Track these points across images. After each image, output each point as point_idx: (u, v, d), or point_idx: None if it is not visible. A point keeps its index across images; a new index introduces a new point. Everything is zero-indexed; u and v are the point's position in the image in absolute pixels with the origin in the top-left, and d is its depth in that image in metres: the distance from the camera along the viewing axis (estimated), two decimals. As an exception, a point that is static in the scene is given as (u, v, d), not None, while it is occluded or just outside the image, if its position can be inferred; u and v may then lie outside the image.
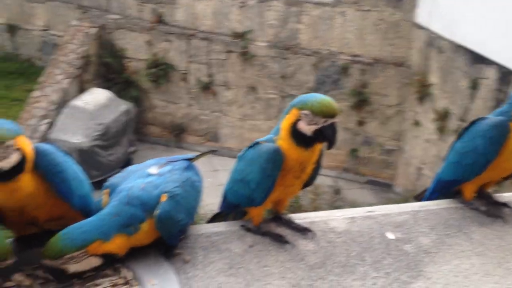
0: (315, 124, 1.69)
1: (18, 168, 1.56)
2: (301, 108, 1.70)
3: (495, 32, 6.25)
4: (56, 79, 8.60)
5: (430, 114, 7.75)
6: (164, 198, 1.66)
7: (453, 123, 7.20)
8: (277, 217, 2.01)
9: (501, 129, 1.99)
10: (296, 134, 1.73)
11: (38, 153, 1.65)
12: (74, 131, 7.97)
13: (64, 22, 9.81)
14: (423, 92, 7.87)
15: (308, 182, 1.93)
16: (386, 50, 8.47)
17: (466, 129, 2.12)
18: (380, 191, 9.05)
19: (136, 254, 1.66)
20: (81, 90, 8.83)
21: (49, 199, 1.71)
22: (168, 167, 1.82)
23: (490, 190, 2.24)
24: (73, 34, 9.22)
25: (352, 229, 1.99)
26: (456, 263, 1.82)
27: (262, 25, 8.87)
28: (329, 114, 1.68)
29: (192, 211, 1.80)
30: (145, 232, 1.65)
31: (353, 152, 9.07)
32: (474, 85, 6.77)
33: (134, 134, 9.30)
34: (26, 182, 1.62)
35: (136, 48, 9.39)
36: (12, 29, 10.62)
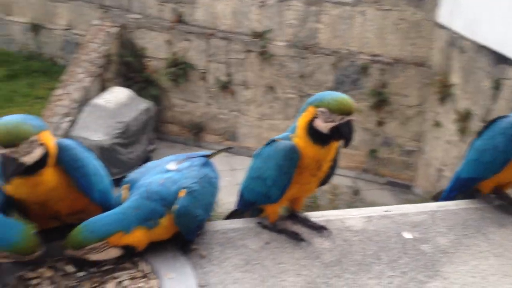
0: (332, 121, 1.69)
1: (41, 163, 1.60)
2: (317, 106, 1.70)
3: (519, 31, 6.14)
4: (78, 77, 8.74)
5: (451, 115, 7.64)
6: (182, 193, 1.68)
7: (475, 124, 7.08)
8: (293, 215, 2.02)
9: None
10: (312, 132, 1.73)
11: (61, 148, 1.68)
12: (95, 129, 8.09)
13: (86, 21, 9.96)
14: (444, 93, 7.76)
15: (325, 180, 1.94)
16: (407, 50, 8.38)
17: (487, 127, 2.10)
18: (399, 193, 8.96)
19: (154, 248, 1.69)
20: (102, 88, 8.97)
21: (70, 193, 1.74)
22: (186, 164, 1.84)
23: (508, 191, 2.21)
24: (94, 33, 9.36)
25: (369, 228, 1.98)
26: (474, 263, 1.80)
27: (281, 24, 8.86)
28: (346, 111, 1.68)
29: (209, 207, 1.82)
30: (164, 227, 1.68)
31: (373, 152, 9.00)
32: (497, 86, 6.65)
33: (153, 133, 9.40)
34: (49, 176, 1.66)
35: (156, 48, 9.49)
36: (35, 28, 10.82)
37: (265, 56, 8.92)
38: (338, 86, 8.64)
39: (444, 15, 7.69)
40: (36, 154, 1.57)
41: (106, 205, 1.80)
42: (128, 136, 8.39)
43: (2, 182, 1.63)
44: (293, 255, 1.81)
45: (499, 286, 1.70)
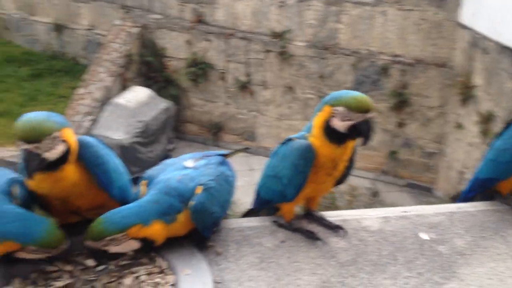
0: (350, 120, 1.68)
1: (63, 159, 1.64)
2: (334, 105, 1.70)
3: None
4: (99, 77, 8.89)
5: (473, 116, 7.52)
6: (199, 190, 1.71)
7: (497, 126, 6.95)
8: (309, 214, 2.02)
9: None
10: (329, 131, 1.73)
11: (81, 145, 1.72)
12: (116, 128, 8.22)
13: (108, 21, 10.11)
14: (467, 94, 7.65)
15: (341, 180, 1.94)
16: (428, 50, 8.28)
17: (506, 127, 2.07)
18: (419, 195, 8.86)
19: (171, 245, 1.72)
20: (123, 88, 9.10)
21: (90, 189, 1.78)
22: (203, 161, 1.87)
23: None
24: (116, 33, 9.50)
25: (385, 229, 1.97)
26: (492, 265, 1.78)
27: (301, 24, 8.85)
28: (365, 109, 1.67)
29: (226, 204, 1.84)
30: (181, 223, 1.70)
31: (392, 154, 8.92)
32: (521, 87, 6.53)
33: (173, 132, 9.50)
34: (70, 172, 1.70)
35: (176, 48, 9.58)
36: (59, 28, 11.02)
37: (284, 56, 8.92)
38: (357, 86, 8.59)
39: (467, 15, 7.58)
40: (58, 150, 1.60)
41: (125, 201, 1.83)
42: (148, 135, 8.50)
43: (25, 177, 1.68)
44: (309, 254, 1.82)
45: (517, 289, 1.68)
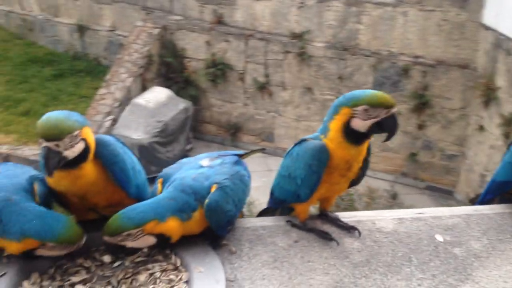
0: (375, 117, 1.67)
1: (82, 157, 1.68)
2: (354, 105, 1.68)
3: None
4: (120, 77, 9.02)
5: (495, 119, 7.38)
6: (214, 188, 1.73)
7: (521, 129, 6.83)
8: (323, 214, 2.02)
9: None
10: (348, 133, 1.71)
11: (100, 143, 1.76)
12: (136, 128, 8.33)
13: (129, 23, 10.26)
14: (489, 96, 7.52)
15: (355, 181, 1.93)
16: (450, 51, 8.17)
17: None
18: (439, 198, 8.74)
19: (185, 243, 1.74)
20: (143, 88, 9.21)
21: (108, 186, 1.82)
22: (218, 161, 1.89)
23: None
24: (137, 34, 9.63)
25: (400, 230, 1.96)
26: (508, 268, 1.75)
27: (321, 25, 8.83)
28: (390, 104, 1.67)
29: (240, 203, 1.85)
30: (196, 221, 1.72)
31: (412, 156, 8.82)
32: (545, 89, 6.40)
33: (191, 132, 9.57)
34: (88, 170, 1.74)
35: (195, 48, 9.66)
36: (81, 29, 11.22)
37: (303, 57, 8.91)
38: (377, 88, 8.50)
39: (490, 16, 7.45)
40: (77, 148, 1.64)
41: (141, 199, 1.86)
42: (167, 135, 8.58)
43: (45, 174, 1.72)
44: (322, 254, 1.82)
45: (534, 293, 1.65)
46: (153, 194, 1.82)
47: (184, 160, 1.97)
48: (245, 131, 9.88)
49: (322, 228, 1.94)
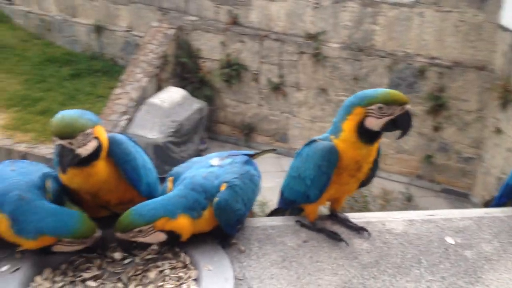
0: (389, 115, 1.68)
1: (94, 155, 1.71)
2: (368, 105, 1.68)
3: None
4: (136, 77, 9.11)
5: (513, 121, 7.29)
6: (223, 187, 1.74)
7: (539, 132, 6.72)
8: (333, 215, 2.02)
9: None
10: (362, 132, 1.72)
11: (112, 142, 1.79)
12: (151, 127, 8.39)
13: (145, 23, 10.34)
14: (507, 98, 7.41)
15: (365, 182, 1.93)
16: (467, 52, 8.07)
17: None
18: (455, 201, 8.63)
19: (194, 241, 1.75)
20: (159, 88, 9.28)
21: (120, 184, 1.85)
22: (229, 160, 1.91)
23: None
24: (153, 34, 9.71)
25: (410, 232, 1.95)
26: (519, 272, 1.73)
27: (336, 26, 8.80)
28: (403, 100, 1.68)
29: (249, 202, 1.86)
30: (206, 219, 1.74)
31: (428, 158, 8.73)
32: None
33: (205, 132, 9.61)
34: (101, 168, 1.77)
35: (210, 49, 9.70)
36: (98, 29, 11.34)
37: (318, 57, 8.89)
38: (393, 89, 8.42)
39: (508, 17, 7.35)
40: (90, 146, 1.67)
41: (152, 197, 1.88)
42: (181, 135, 8.64)
43: (59, 172, 1.76)
44: (331, 254, 1.82)
45: (546, 297, 1.63)
46: (163, 192, 1.84)
47: (195, 159, 1.99)
48: (259, 132, 9.89)
49: (332, 228, 1.94)
